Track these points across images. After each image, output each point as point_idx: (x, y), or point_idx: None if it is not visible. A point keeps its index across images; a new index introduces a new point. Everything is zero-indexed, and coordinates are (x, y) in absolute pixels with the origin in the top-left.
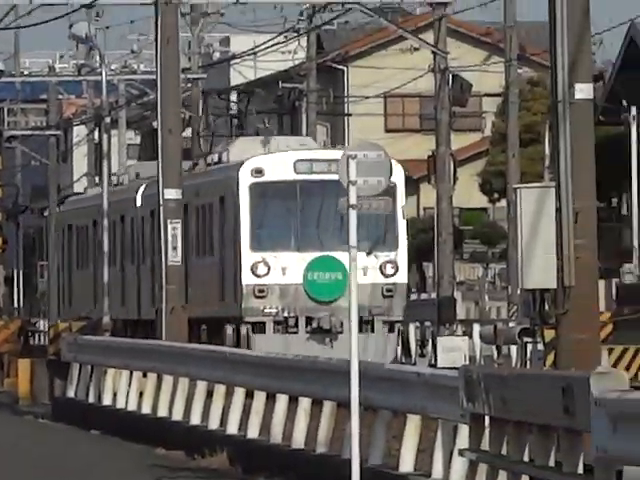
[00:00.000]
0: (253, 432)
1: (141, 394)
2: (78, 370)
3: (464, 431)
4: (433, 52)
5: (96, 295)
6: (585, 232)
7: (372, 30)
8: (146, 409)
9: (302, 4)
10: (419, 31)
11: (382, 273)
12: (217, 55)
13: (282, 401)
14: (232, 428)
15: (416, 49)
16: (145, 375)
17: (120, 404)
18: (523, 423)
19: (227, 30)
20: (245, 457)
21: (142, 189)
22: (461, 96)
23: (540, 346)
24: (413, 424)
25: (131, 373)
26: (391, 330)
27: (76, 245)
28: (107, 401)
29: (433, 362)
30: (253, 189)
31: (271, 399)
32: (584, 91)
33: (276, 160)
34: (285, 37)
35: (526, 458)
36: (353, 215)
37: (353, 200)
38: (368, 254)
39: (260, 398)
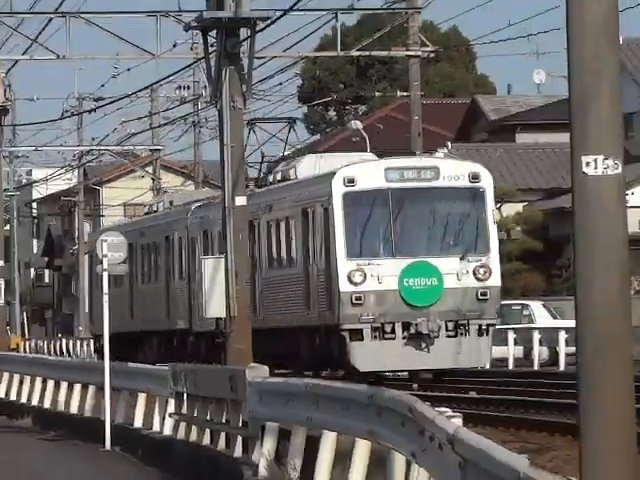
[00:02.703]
0: (47, 404)
1: None
2: None
3: (172, 402)
4: (152, 178)
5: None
6: (240, 283)
7: (117, 165)
8: None
9: (75, 151)
10: (145, 165)
11: (475, 277)
12: (24, 181)
13: (64, 386)
14: (34, 402)
15: (142, 177)
16: None
17: None
18: (207, 397)
19: (31, 165)
20: (42, 419)
21: (190, 212)
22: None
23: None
24: (142, 399)
25: None
26: (486, 333)
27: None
28: None
29: None
30: (347, 198)
31: (57, 384)
32: (240, 200)
33: (367, 169)
34: (65, 170)
35: (209, 418)
36: (105, 276)
37: (106, 266)
38: (462, 259)
39: (51, 384)
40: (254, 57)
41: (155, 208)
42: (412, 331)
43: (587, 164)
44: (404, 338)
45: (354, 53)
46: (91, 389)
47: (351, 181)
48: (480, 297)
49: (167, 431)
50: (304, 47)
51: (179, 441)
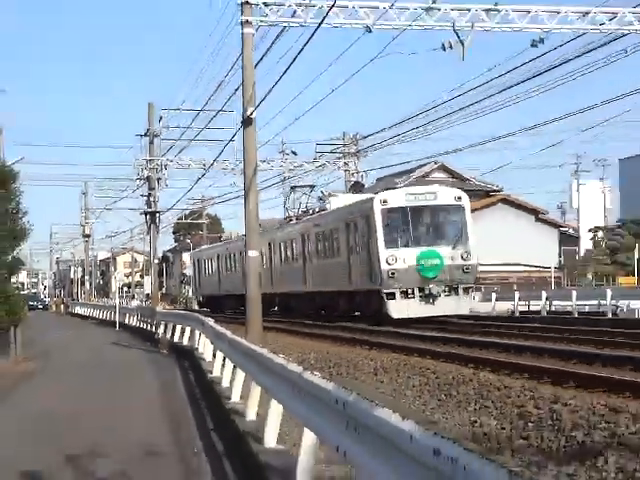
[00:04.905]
0: (101, 317)
1: None
2: None
3: (135, 317)
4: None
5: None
6: (155, 289)
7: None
8: None
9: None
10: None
11: (462, 258)
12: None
13: (107, 313)
14: (100, 316)
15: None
16: None
17: None
18: (145, 315)
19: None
20: (100, 321)
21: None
22: None
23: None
24: (129, 316)
25: None
26: (468, 292)
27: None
28: None
29: None
30: (383, 212)
31: (103, 311)
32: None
33: (394, 194)
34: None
35: (147, 320)
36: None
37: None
38: (453, 248)
39: (104, 311)
40: (160, 223)
41: (233, 237)
42: (427, 293)
43: (250, 253)
44: (420, 297)
45: None
46: (113, 313)
47: (385, 201)
48: (465, 270)
49: (135, 324)
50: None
51: (139, 327)
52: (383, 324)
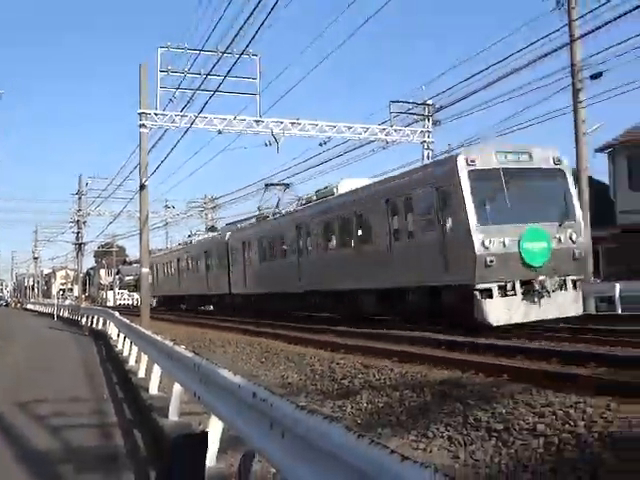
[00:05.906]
0: (40, 310)
1: None
2: None
3: (67, 312)
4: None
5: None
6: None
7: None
8: None
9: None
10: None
11: (571, 240)
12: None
13: (48, 309)
14: (35, 309)
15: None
16: None
17: None
18: (73, 310)
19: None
20: (38, 313)
21: (227, 235)
22: None
23: None
24: (64, 310)
25: None
26: (578, 287)
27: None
28: None
29: None
30: (471, 175)
31: (45, 307)
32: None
33: (482, 151)
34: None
35: (74, 314)
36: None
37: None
38: (560, 225)
39: (44, 308)
40: (85, 251)
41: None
42: (537, 288)
43: (143, 270)
44: (522, 294)
45: None
46: (52, 308)
47: (472, 161)
48: (575, 257)
49: (67, 315)
50: None
51: (69, 318)
52: (472, 332)
